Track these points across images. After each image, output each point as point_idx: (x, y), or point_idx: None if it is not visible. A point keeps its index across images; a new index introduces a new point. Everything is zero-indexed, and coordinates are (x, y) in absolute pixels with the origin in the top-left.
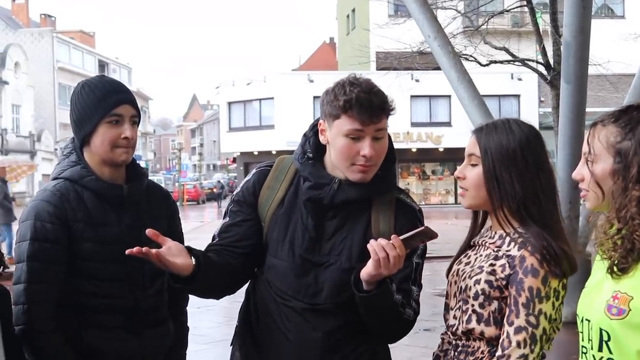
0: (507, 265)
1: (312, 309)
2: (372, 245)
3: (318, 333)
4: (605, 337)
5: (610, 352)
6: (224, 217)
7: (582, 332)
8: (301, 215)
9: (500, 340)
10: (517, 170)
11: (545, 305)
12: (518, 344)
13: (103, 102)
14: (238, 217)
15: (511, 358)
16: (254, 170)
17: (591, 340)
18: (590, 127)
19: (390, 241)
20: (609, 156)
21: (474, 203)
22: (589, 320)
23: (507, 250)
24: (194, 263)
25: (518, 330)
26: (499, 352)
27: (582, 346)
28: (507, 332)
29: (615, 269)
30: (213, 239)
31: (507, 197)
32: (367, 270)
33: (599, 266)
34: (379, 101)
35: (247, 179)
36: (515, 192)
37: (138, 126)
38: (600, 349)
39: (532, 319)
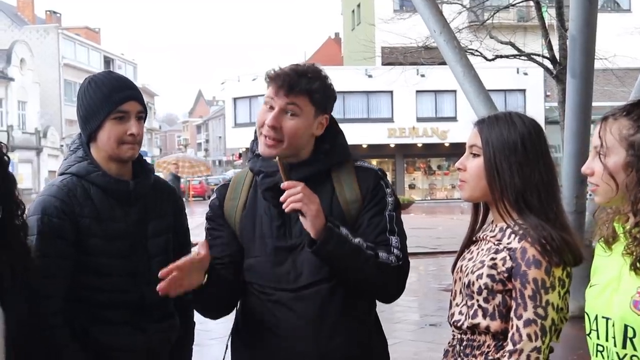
0: (508, 257)
1: (296, 297)
2: (284, 201)
3: (306, 322)
4: (630, 334)
5: (635, 349)
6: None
7: (595, 331)
8: (264, 209)
9: (510, 335)
10: (516, 162)
11: (552, 296)
12: (529, 337)
13: (109, 98)
14: (215, 232)
15: (524, 352)
16: (215, 189)
17: (613, 338)
18: (601, 121)
19: (287, 190)
20: (621, 149)
21: (473, 194)
22: (607, 318)
23: (507, 243)
24: (205, 278)
25: (527, 323)
26: (510, 347)
27: (598, 344)
28: (517, 326)
29: (638, 264)
30: None
31: (506, 188)
32: (304, 225)
33: (608, 262)
34: (296, 76)
35: (211, 198)
36: (514, 183)
37: (144, 122)
38: (624, 346)
39: (540, 311)
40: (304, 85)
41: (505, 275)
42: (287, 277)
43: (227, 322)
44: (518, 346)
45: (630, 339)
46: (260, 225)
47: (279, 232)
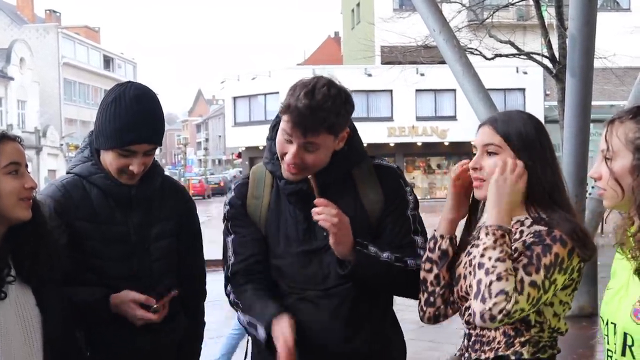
0: (530, 236)
1: (326, 295)
2: (318, 218)
3: (332, 317)
4: (629, 342)
5: (634, 358)
6: (229, 236)
7: (606, 336)
8: (289, 211)
9: (516, 279)
10: (539, 158)
11: (561, 277)
12: (528, 297)
13: (119, 134)
14: (243, 229)
15: (511, 302)
16: (232, 187)
17: (615, 344)
18: (608, 124)
19: (321, 207)
20: (628, 152)
21: None
22: (614, 324)
23: (533, 230)
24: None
25: (533, 284)
26: (510, 286)
27: (608, 349)
28: (522, 279)
29: None
30: (227, 259)
31: (535, 185)
32: (333, 246)
33: (623, 267)
34: (310, 115)
35: (229, 195)
36: (544, 180)
37: (155, 152)
38: (623, 354)
39: (546, 283)
40: (319, 124)
41: (514, 248)
42: (315, 278)
43: (228, 320)
44: (514, 295)
45: (630, 347)
46: (285, 226)
47: (304, 236)
